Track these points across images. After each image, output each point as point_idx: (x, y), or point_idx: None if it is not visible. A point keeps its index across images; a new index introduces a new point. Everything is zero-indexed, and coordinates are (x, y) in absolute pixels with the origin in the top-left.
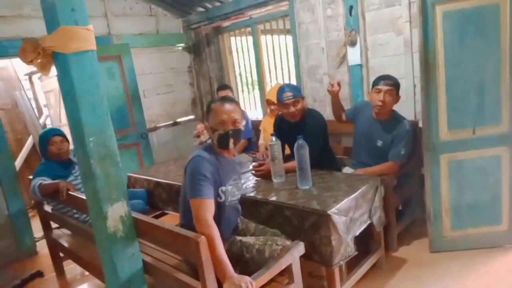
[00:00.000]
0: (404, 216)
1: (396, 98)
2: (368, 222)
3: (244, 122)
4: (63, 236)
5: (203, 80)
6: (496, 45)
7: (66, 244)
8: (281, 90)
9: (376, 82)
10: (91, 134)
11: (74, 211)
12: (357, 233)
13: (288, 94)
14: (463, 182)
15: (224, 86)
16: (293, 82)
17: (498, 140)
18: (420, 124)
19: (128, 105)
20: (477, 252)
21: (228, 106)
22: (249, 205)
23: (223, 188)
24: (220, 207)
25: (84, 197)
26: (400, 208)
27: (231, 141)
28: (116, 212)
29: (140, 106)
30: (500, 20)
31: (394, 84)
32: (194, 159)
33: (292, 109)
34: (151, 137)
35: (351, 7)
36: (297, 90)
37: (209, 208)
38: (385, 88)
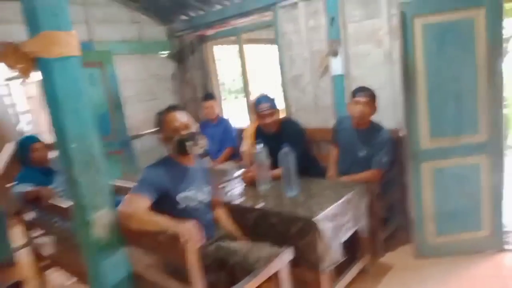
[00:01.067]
0: (389, 223)
1: (373, 108)
2: (354, 228)
3: (196, 125)
4: (45, 243)
5: (187, 87)
6: (472, 57)
7: (50, 252)
8: (257, 101)
9: (354, 94)
10: (73, 140)
11: (57, 218)
12: (344, 239)
13: (265, 105)
14: (445, 189)
15: (208, 97)
16: (278, 91)
17: (477, 149)
18: (401, 133)
19: (110, 112)
20: (461, 257)
21: (175, 113)
22: (235, 212)
23: (181, 195)
24: (182, 213)
25: (66, 205)
26: (384, 215)
27: (188, 144)
28: (101, 219)
29: (121, 113)
30: (475, 33)
31: (371, 96)
32: (144, 169)
33: (269, 119)
34: (135, 144)
35: (332, 19)
36: (273, 101)
37: (131, 202)
38: (363, 99)
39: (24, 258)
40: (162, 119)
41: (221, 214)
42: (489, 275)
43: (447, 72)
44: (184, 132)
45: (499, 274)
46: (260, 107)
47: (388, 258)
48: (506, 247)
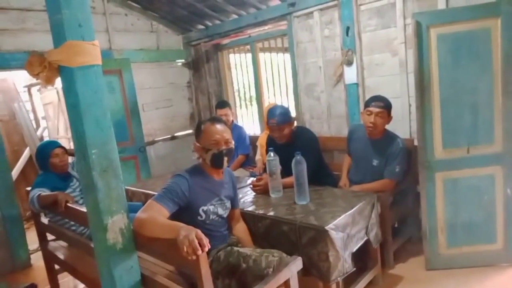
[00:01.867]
0: (400, 234)
1: (388, 119)
2: (365, 238)
3: (233, 142)
4: (59, 248)
5: (202, 95)
6: (489, 67)
7: (62, 257)
8: (270, 113)
9: (367, 104)
10: (94, 147)
11: (72, 223)
12: (354, 250)
13: (273, 120)
14: (458, 201)
15: (222, 104)
16: (291, 99)
17: (491, 160)
18: (415, 143)
19: (127, 119)
20: (472, 270)
21: (219, 127)
22: (247, 220)
23: (204, 208)
24: (199, 225)
25: (82, 209)
26: (396, 225)
27: (225, 159)
28: (116, 224)
29: (139, 120)
30: (491, 43)
31: (385, 106)
32: (174, 176)
33: (277, 133)
34: (149, 150)
35: (348, 28)
36: (284, 117)
37: (151, 209)
38: (376, 110)
39: (39, 261)
40: (204, 129)
41: (241, 230)
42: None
43: (462, 82)
44: (224, 147)
45: None
46: (270, 120)
47: (398, 269)
48: None
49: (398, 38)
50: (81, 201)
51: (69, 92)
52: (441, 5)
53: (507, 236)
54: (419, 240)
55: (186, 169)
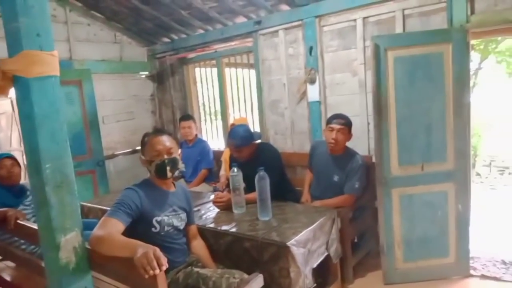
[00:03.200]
0: (359, 248)
1: (348, 136)
2: (325, 254)
3: (179, 151)
4: (5, 269)
5: (166, 108)
6: (441, 89)
7: (9, 278)
8: (230, 134)
9: (329, 121)
10: (48, 161)
11: (21, 241)
12: (315, 265)
13: (232, 142)
14: (414, 216)
15: (186, 117)
16: (255, 114)
17: (444, 177)
18: (374, 159)
19: (85, 131)
20: (428, 284)
21: (162, 137)
22: (209, 236)
23: (158, 218)
24: (155, 237)
25: (33, 227)
26: (355, 240)
27: (168, 169)
28: (70, 242)
29: (98, 132)
30: (444, 67)
31: (346, 123)
32: (124, 189)
33: (236, 154)
34: (108, 164)
35: (311, 48)
36: (242, 140)
37: (106, 226)
38: (337, 127)
39: None
40: (146, 141)
41: (199, 247)
42: None
43: (417, 103)
44: (166, 157)
45: None
46: (229, 141)
47: (357, 284)
48: (472, 272)
49: (358, 59)
50: (33, 219)
51: (24, 103)
52: (399, 29)
53: (458, 250)
54: (377, 254)
55: (135, 183)
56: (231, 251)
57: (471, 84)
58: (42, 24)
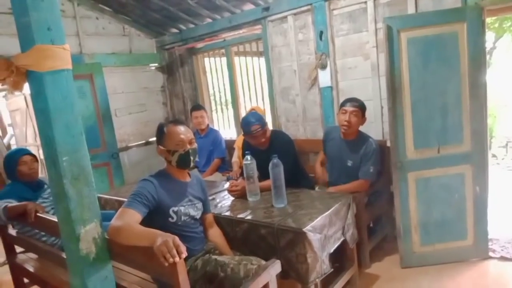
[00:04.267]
0: (375, 233)
1: (362, 119)
2: (342, 239)
3: (196, 142)
4: (28, 260)
5: (177, 99)
6: (457, 70)
7: (32, 269)
8: (246, 123)
9: (342, 104)
10: (64, 154)
11: (42, 234)
12: (332, 250)
13: (256, 126)
14: (430, 199)
15: (197, 107)
16: (266, 102)
17: (461, 159)
18: (388, 144)
19: (99, 125)
20: (445, 266)
21: (182, 128)
22: (225, 224)
23: (174, 209)
24: (172, 227)
25: (53, 219)
26: (371, 225)
27: (191, 159)
28: (89, 233)
29: (111, 125)
30: (459, 47)
31: (359, 106)
32: (140, 181)
33: (261, 139)
34: (122, 157)
35: (321, 32)
36: (262, 121)
37: (124, 216)
38: (351, 109)
39: (6, 275)
40: (167, 131)
41: (216, 235)
42: (473, 284)
43: (432, 85)
44: (189, 147)
45: (484, 282)
46: (251, 128)
47: (374, 269)
48: (490, 254)
49: (370, 42)
50: (51, 212)
51: (38, 98)
52: (411, 9)
53: (477, 232)
54: (393, 238)
55: (150, 174)
56: (248, 239)
57: (485, 66)
58: (52, 18)
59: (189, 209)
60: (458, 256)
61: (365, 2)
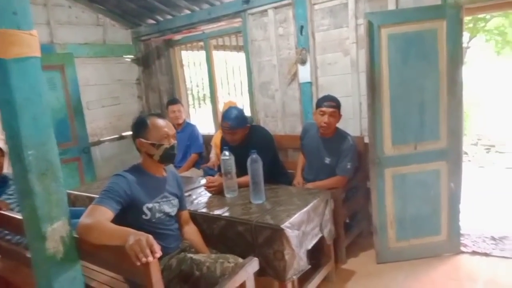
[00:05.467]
0: (352, 229)
1: (339, 117)
2: (320, 235)
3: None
4: None
5: (152, 93)
6: (435, 67)
7: None
8: (224, 116)
9: (319, 104)
10: (30, 147)
11: (6, 232)
12: (309, 247)
13: (226, 124)
14: (406, 195)
15: (174, 101)
16: (246, 97)
17: (437, 155)
18: (366, 140)
19: (69, 118)
20: (420, 261)
21: (164, 121)
22: (201, 222)
23: (149, 205)
24: (146, 225)
25: (18, 217)
26: (347, 221)
27: (176, 154)
28: (56, 232)
29: (82, 118)
30: (438, 44)
31: (337, 106)
32: (113, 176)
33: (229, 137)
34: (94, 151)
35: (302, 27)
36: (238, 121)
37: (94, 213)
38: (329, 110)
39: None
40: (150, 123)
41: (192, 233)
42: (447, 278)
43: (411, 81)
44: (173, 141)
45: (457, 276)
46: (223, 123)
47: (350, 264)
48: (462, 249)
49: (350, 38)
50: (17, 209)
51: (2, 87)
52: (391, 6)
53: (450, 228)
54: (369, 234)
55: (124, 169)
56: (225, 236)
57: (462, 63)
58: (19, 2)
59: (164, 206)
60: (432, 251)
61: None
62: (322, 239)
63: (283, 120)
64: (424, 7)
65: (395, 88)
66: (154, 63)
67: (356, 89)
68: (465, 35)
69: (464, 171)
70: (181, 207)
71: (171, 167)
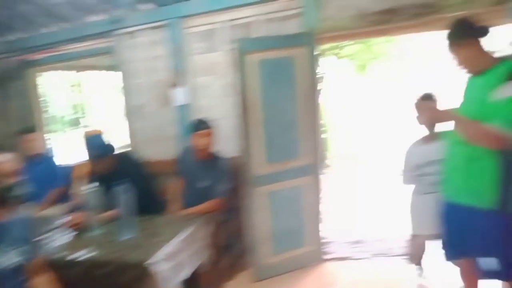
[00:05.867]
0: (231, 250)
1: (214, 139)
2: (197, 263)
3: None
4: None
5: (2, 120)
6: (294, 91)
7: None
8: (86, 145)
9: (196, 127)
10: None
11: None
12: (188, 275)
13: (88, 153)
14: (278, 211)
15: (29, 129)
16: (120, 121)
17: (299, 172)
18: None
19: None
20: (290, 275)
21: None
22: (58, 268)
23: None
24: None
25: None
26: (226, 243)
27: (12, 196)
28: None
29: None
30: (296, 69)
31: (211, 127)
32: None
33: (94, 166)
34: None
35: (176, 49)
36: (98, 149)
37: None
38: (205, 132)
39: None
40: None
41: (44, 285)
42: (318, 285)
43: (277, 105)
44: (9, 181)
45: (321, 283)
46: (87, 153)
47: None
48: (326, 257)
49: (223, 62)
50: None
51: None
52: (262, 33)
53: (312, 239)
54: (247, 253)
55: None
56: (86, 282)
57: (320, 87)
58: None
59: (1, 258)
60: (300, 263)
61: (218, 23)
62: (200, 266)
63: (159, 144)
64: (285, 36)
65: (267, 109)
66: (7, 86)
67: (231, 111)
68: (324, 61)
69: (330, 183)
70: (30, 255)
71: (25, 206)
